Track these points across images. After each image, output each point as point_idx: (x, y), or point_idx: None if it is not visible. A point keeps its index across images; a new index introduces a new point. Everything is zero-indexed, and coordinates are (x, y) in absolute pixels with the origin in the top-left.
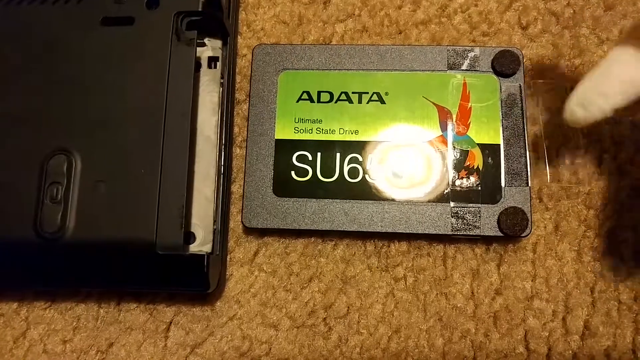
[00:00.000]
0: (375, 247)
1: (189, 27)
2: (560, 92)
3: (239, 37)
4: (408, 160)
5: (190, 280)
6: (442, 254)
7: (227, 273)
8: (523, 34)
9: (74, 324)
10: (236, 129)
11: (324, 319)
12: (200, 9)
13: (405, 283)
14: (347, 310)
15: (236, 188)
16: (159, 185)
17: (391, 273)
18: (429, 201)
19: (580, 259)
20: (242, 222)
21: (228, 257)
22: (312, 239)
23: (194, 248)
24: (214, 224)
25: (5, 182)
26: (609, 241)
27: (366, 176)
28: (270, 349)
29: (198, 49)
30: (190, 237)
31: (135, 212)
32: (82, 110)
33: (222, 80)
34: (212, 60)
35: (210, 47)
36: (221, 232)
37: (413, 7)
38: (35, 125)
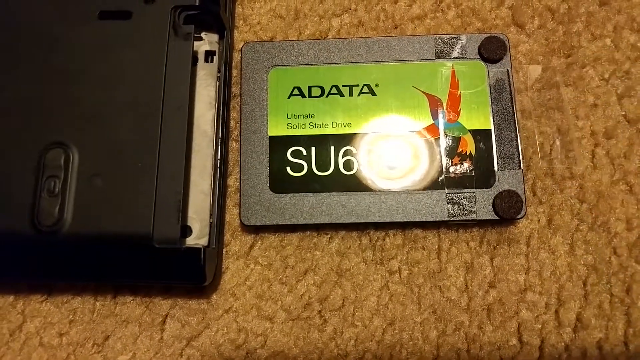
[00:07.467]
0: (370, 240)
1: (186, 21)
2: (553, 87)
3: (235, 31)
4: (401, 150)
5: (187, 273)
6: (436, 247)
7: (222, 266)
8: (518, 31)
9: (70, 317)
10: (232, 123)
11: (319, 311)
12: (197, 3)
13: (400, 276)
14: (342, 302)
15: (232, 181)
16: (156, 178)
17: (386, 266)
18: (424, 189)
19: (573, 252)
20: (240, 220)
21: (224, 250)
22: (308, 233)
23: (190, 241)
24: (210, 218)
25: (2, 175)
26: (602, 234)
27: (361, 168)
28: (265, 342)
29: (195, 43)
30: (186, 231)
31: (132, 205)
32: (79, 104)
33: (218, 75)
34: (209, 55)
35: (207, 41)
36: (217, 226)
37: (409, 1)
38: (32, 118)
